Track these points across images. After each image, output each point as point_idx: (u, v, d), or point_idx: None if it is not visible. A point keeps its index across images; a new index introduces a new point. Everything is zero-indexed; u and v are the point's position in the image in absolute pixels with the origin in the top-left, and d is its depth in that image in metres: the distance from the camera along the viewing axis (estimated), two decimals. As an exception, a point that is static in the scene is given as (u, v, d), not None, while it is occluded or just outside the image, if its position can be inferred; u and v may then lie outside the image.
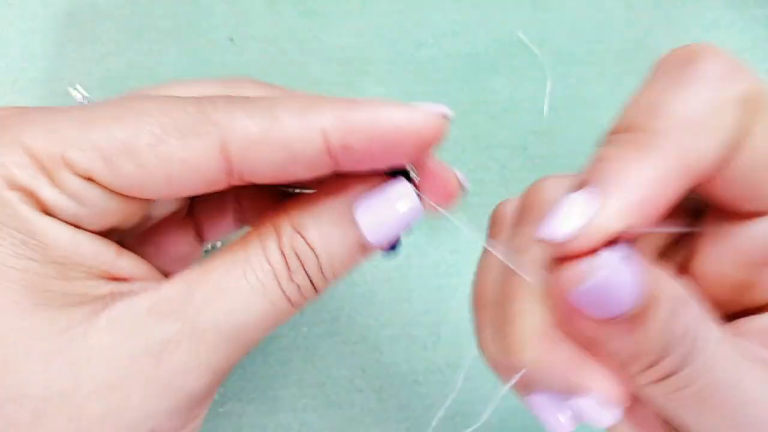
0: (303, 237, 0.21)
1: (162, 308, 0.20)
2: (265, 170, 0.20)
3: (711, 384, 0.19)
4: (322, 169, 0.20)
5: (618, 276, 0.18)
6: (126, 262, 0.21)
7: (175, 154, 0.19)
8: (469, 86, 0.40)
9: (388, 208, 0.22)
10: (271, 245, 0.21)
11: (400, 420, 0.36)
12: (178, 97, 0.20)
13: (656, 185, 0.19)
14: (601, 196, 0.19)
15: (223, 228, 0.28)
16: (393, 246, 0.23)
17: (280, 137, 0.19)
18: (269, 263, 0.21)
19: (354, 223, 0.21)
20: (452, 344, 0.37)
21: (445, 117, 0.21)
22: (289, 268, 0.21)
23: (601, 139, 0.22)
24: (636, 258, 0.19)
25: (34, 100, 0.37)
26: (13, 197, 0.19)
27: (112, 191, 0.20)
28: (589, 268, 0.19)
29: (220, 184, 0.20)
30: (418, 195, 0.22)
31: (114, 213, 0.21)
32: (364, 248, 0.22)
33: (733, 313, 0.22)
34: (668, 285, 0.19)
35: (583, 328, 0.20)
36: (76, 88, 0.36)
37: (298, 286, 0.21)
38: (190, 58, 0.38)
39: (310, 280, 0.22)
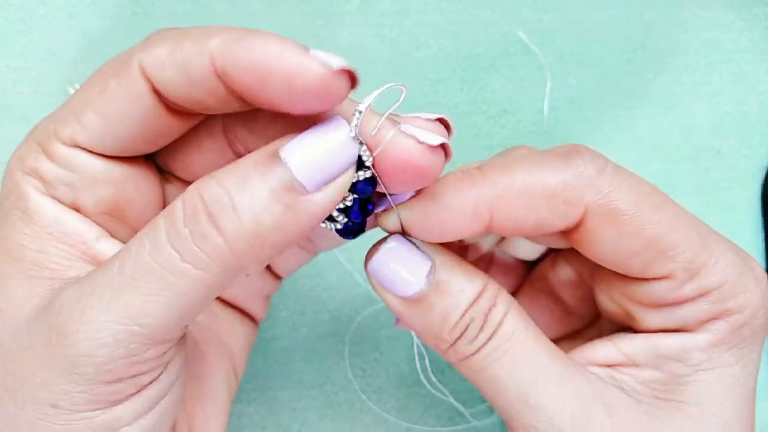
0: (217, 181, 0.19)
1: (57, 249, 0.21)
2: (176, 91, 0.20)
3: (500, 372, 0.22)
4: (225, 99, 0.20)
5: (399, 260, 0.22)
6: (106, 246, 0.22)
7: (115, 92, 0.21)
8: (469, 86, 0.40)
9: (318, 141, 0.19)
10: (175, 204, 0.20)
11: (400, 420, 0.36)
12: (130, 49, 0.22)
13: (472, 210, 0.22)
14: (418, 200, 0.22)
15: None
16: (352, 229, 0.22)
17: (178, 58, 0.20)
18: (171, 214, 0.19)
19: (279, 163, 0.19)
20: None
21: (332, 69, 0.18)
22: (187, 219, 0.19)
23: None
24: (419, 248, 0.23)
25: (34, 100, 0.37)
26: (23, 180, 0.21)
27: (95, 153, 0.22)
28: (375, 249, 0.23)
29: (163, 117, 0.21)
30: (374, 180, 0.21)
31: (105, 179, 0.22)
32: (295, 191, 0.19)
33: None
34: (461, 278, 0.22)
35: (387, 302, 0.23)
36: (75, 88, 0.36)
37: (190, 234, 0.19)
38: (190, 58, 0.38)
39: (218, 230, 0.19)
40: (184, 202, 0.19)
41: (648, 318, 0.24)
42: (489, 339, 0.22)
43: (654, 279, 0.23)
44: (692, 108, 0.41)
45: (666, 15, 0.41)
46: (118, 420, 0.20)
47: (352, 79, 0.19)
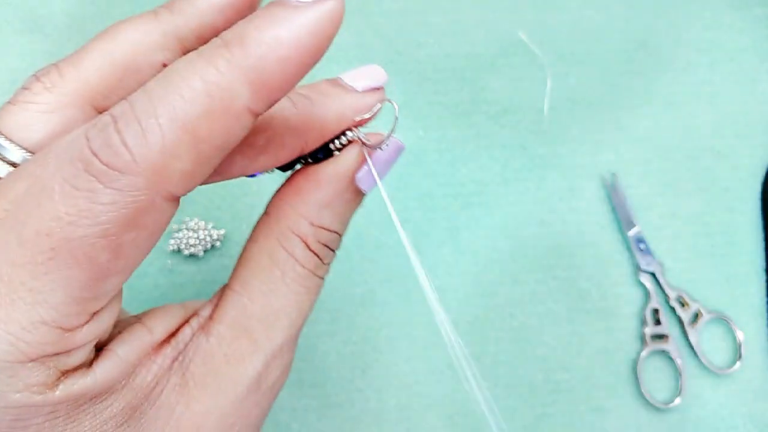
0: (326, 229, 0.22)
1: (234, 354, 0.21)
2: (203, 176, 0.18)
3: None
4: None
5: None
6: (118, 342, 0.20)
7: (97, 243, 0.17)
8: (469, 86, 0.40)
9: (386, 166, 0.22)
10: (300, 252, 0.21)
11: (400, 420, 0.36)
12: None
13: None
14: None
15: None
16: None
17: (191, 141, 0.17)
18: (304, 267, 0.22)
19: (360, 192, 0.22)
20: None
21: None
22: (321, 259, 0.22)
23: None
24: None
25: (34, 100, 0.37)
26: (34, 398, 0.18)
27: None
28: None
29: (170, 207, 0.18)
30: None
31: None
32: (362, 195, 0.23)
33: None
34: None
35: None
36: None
37: (328, 264, 0.23)
38: (190, 58, 0.38)
39: (334, 252, 0.23)
40: (313, 251, 0.22)
41: None
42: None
43: None
44: (692, 108, 0.40)
45: (666, 15, 0.41)
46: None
47: None
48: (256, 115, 0.17)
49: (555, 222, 0.39)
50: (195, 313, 0.21)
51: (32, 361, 0.17)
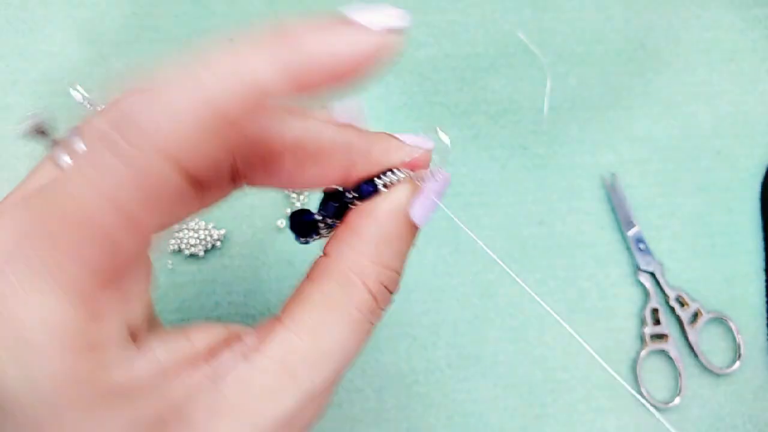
0: (386, 267, 0.22)
1: (272, 388, 0.20)
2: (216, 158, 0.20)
3: None
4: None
5: None
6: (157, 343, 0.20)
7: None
8: (469, 86, 0.40)
9: (437, 198, 0.23)
10: (358, 294, 0.21)
11: (400, 420, 0.36)
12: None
13: None
14: None
15: None
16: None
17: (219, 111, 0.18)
18: (360, 311, 0.21)
19: (415, 226, 0.22)
20: (452, 344, 0.37)
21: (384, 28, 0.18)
22: (378, 303, 0.22)
23: None
24: None
25: (34, 100, 0.37)
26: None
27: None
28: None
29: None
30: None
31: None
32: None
33: None
34: None
35: None
36: (76, 89, 0.36)
37: (383, 310, 0.22)
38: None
39: (392, 295, 0.22)
40: (372, 293, 0.21)
41: None
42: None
43: None
44: (692, 108, 0.41)
45: (666, 15, 0.41)
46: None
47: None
48: (273, 97, 0.18)
49: (555, 222, 0.39)
50: (237, 337, 0.21)
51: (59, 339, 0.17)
